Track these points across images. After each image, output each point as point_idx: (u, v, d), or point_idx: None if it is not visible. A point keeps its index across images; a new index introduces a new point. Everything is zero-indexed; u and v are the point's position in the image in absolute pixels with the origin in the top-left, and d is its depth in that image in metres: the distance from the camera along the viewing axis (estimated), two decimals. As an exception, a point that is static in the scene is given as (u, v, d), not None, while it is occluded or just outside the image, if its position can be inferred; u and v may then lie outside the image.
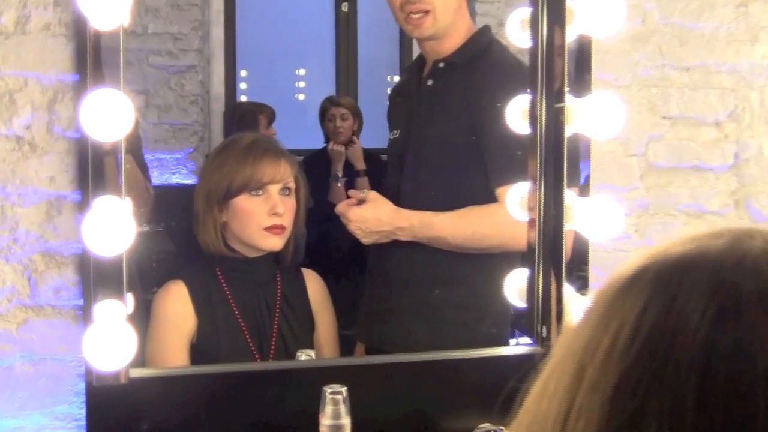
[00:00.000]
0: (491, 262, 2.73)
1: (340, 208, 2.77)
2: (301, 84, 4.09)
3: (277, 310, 2.72)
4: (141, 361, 2.47)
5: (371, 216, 2.74)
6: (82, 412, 2.43)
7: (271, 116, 3.78)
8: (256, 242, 2.70)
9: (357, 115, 4.00)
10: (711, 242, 0.84)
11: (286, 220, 2.70)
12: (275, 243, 2.70)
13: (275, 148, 2.76)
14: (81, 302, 2.41)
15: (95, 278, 2.25)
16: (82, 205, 2.32)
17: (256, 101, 3.80)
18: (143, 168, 2.94)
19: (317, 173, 3.91)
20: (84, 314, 2.37)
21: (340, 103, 4.00)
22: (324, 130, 4.06)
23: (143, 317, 2.62)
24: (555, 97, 2.47)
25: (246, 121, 3.72)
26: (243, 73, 3.81)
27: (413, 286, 2.86)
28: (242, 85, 3.83)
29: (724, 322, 0.76)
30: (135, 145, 2.83)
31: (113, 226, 2.20)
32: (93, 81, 2.25)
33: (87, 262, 2.26)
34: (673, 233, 2.67)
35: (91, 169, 2.26)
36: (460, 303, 2.82)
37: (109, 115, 2.16)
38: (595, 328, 0.82)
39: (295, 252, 2.85)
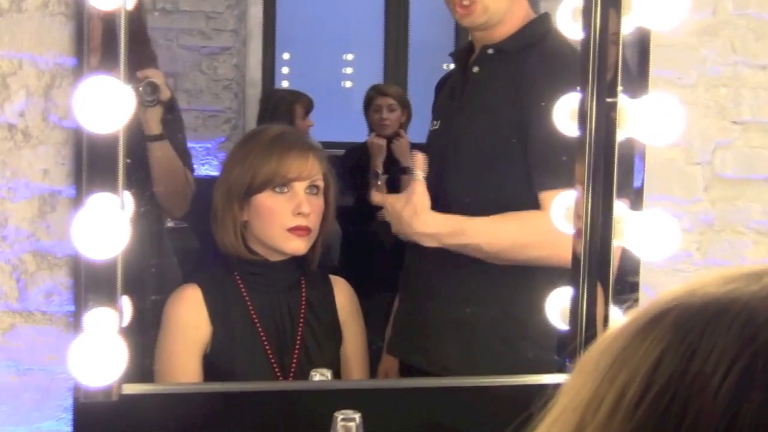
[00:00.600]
0: (532, 278, 2.52)
1: (377, 197, 2.61)
2: (348, 70, 3.86)
3: (301, 320, 2.57)
4: (140, 375, 2.30)
5: (394, 212, 2.54)
6: (69, 430, 2.23)
7: (308, 106, 3.56)
8: (278, 244, 2.54)
9: (405, 105, 3.76)
10: (747, 286, 0.73)
11: (312, 221, 2.55)
12: (299, 246, 2.54)
13: (303, 142, 2.61)
14: (73, 308, 2.25)
15: (86, 283, 2.09)
16: (77, 202, 2.17)
17: (294, 89, 3.60)
18: (184, 155, 2.75)
19: (359, 168, 3.70)
20: (75, 322, 2.22)
21: (387, 93, 3.77)
22: (368, 122, 3.83)
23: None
24: (607, 94, 2.24)
25: (280, 110, 3.51)
26: (285, 56, 3.60)
27: (447, 301, 2.68)
28: (284, 70, 3.62)
29: (751, 385, 0.67)
30: (174, 129, 2.68)
31: (107, 227, 2.03)
32: (90, 65, 2.09)
33: (80, 265, 2.10)
34: (741, 252, 2.43)
35: (86, 163, 2.12)
36: (496, 322, 2.62)
37: (105, 103, 2.00)
38: (602, 379, 0.74)
39: (325, 256, 2.69)
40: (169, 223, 2.79)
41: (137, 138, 2.41)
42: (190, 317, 2.49)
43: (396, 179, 3.65)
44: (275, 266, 2.58)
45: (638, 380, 0.71)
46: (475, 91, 2.66)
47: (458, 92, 2.72)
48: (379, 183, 3.74)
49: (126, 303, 2.15)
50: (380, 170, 3.76)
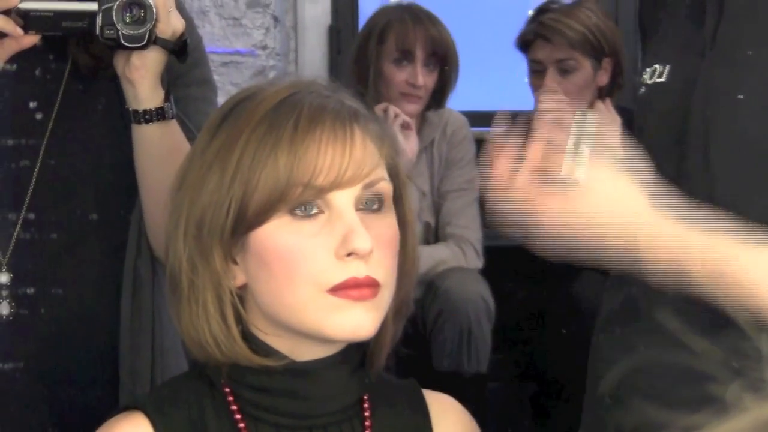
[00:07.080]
0: None
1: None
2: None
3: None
4: None
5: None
6: None
7: (407, 38, 2.56)
8: (313, 323, 1.46)
9: (601, 51, 2.71)
10: None
11: (380, 267, 1.46)
12: (357, 321, 1.46)
13: (340, 107, 1.49)
14: None
15: None
16: None
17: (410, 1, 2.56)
18: None
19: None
20: None
21: (550, 35, 2.84)
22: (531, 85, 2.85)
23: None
24: None
25: (367, 48, 2.51)
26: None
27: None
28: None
29: None
30: (193, 101, 1.88)
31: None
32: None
33: None
34: None
35: None
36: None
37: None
38: None
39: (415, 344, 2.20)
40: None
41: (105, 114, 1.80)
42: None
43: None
44: (309, 373, 1.49)
45: None
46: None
47: (715, 7, 1.58)
48: None
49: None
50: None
